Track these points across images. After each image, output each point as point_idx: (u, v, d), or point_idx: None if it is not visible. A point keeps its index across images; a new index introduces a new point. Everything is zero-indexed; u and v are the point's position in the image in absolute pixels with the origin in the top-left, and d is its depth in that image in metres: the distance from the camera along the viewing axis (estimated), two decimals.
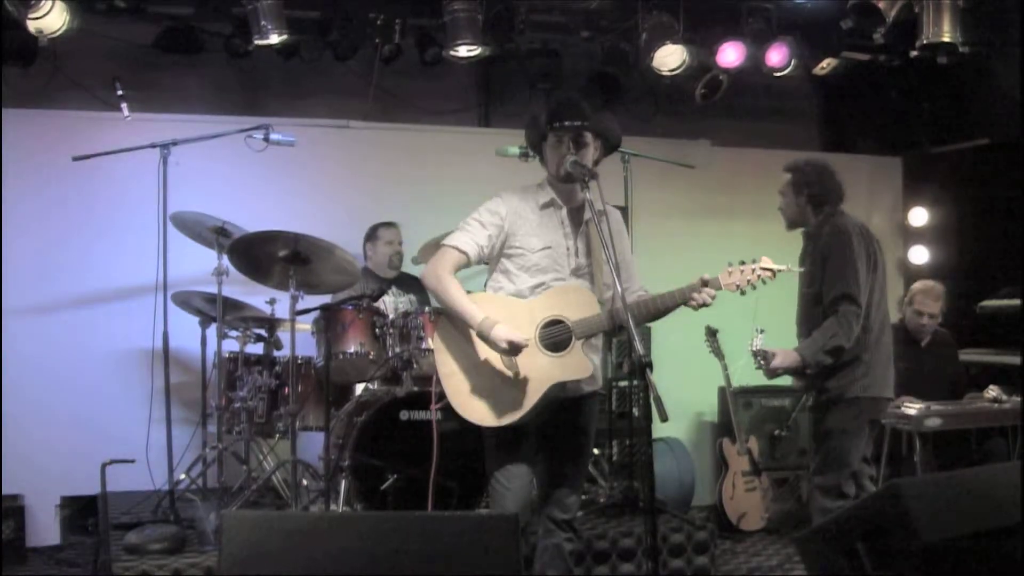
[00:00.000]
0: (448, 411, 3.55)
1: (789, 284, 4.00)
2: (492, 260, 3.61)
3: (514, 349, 3.37)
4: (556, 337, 3.44)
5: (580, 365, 3.44)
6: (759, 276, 3.44)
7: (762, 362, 3.99)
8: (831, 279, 3.98)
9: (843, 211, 4.18)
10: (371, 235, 5.68)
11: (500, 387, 3.42)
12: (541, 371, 3.42)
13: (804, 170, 4.18)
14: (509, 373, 3.42)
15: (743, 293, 3.45)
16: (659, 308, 3.46)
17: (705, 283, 3.40)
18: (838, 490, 4.01)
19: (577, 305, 3.46)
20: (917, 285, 5.50)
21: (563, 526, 3.67)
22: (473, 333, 3.46)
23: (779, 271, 3.49)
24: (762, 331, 4.08)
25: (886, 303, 4.20)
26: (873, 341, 4.05)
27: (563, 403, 3.53)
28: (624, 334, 3.73)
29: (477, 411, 3.45)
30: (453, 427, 3.75)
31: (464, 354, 3.51)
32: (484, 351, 3.47)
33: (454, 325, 3.55)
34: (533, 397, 3.41)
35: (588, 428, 3.72)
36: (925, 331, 5.39)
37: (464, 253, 3.51)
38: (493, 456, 3.56)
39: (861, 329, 3.98)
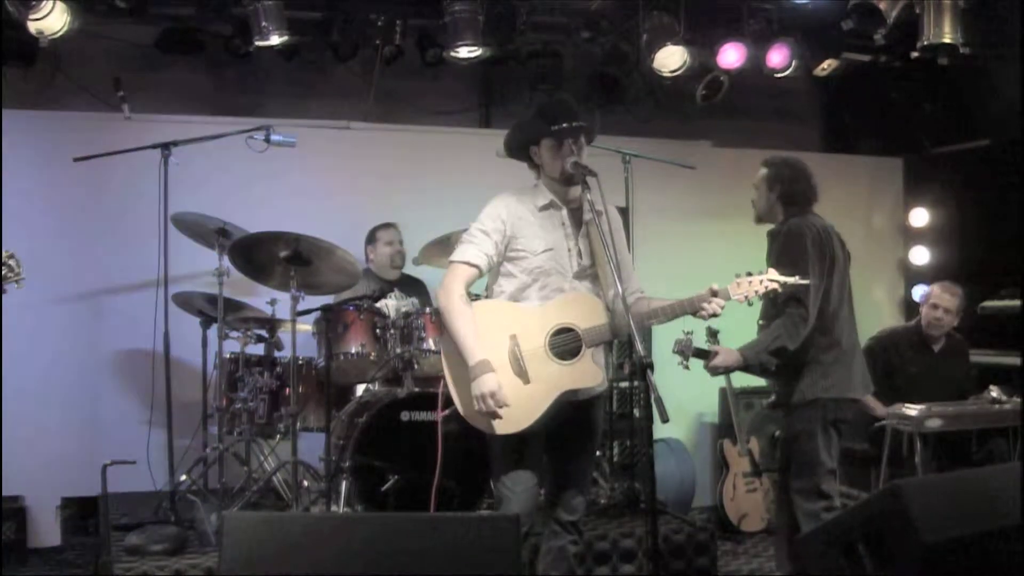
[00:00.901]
0: (452, 414, 3.54)
1: None
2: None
3: (487, 407, 3.31)
4: (567, 345, 3.44)
5: (590, 373, 3.45)
6: (766, 288, 3.47)
7: (684, 362, 3.94)
8: None
9: (811, 212, 4.15)
10: (371, 238, 5.68)
11: (509, 395, 3.40)
12: (551, 379, 3.41)
13: (780, 167, 4.19)
14: (519, 380, 3.41)
15: (750, 304, 3.50)
16: (668, 316, 3.47)
17: (715, 293, 3.41)
18: (817, 491, 3.99)
19: (587, 313, 3.46)
20: (936, 284, 5.50)
21: (568, 528, 3.67)
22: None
23: (785, 283, 3.51)
24: (689, 332, 4.02)
25: (849, 304, 4.14)
26: (833, 342, 4.03)
27: (572, 405, 3.53)
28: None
29: (485, 419, 3.43)
30: (454, 428, 3.74)
31: None
32: (493, 358, 3.43)
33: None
34: (542, 405, 3.40)
35: (595, 429, 3.73)
36: (939, 328, 5.35)
37: (475, 266, 3.50)
38: (499, 461, 3.54)
39: (816, 332, 3.97)
